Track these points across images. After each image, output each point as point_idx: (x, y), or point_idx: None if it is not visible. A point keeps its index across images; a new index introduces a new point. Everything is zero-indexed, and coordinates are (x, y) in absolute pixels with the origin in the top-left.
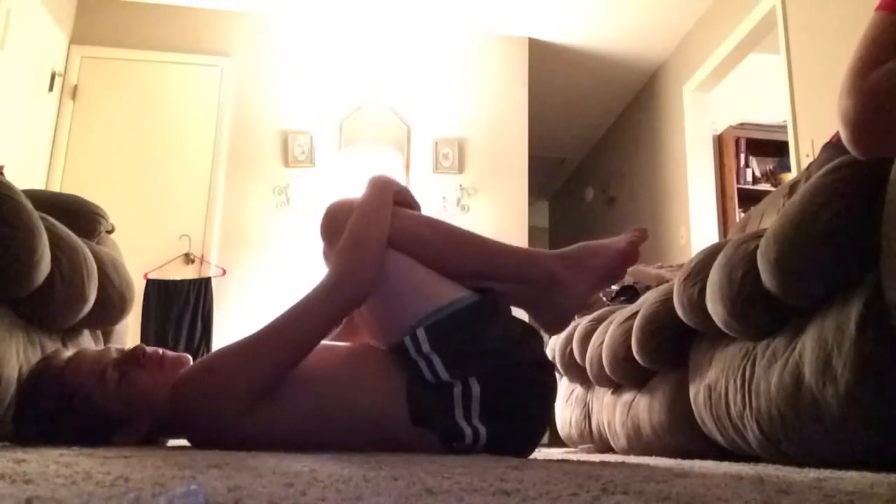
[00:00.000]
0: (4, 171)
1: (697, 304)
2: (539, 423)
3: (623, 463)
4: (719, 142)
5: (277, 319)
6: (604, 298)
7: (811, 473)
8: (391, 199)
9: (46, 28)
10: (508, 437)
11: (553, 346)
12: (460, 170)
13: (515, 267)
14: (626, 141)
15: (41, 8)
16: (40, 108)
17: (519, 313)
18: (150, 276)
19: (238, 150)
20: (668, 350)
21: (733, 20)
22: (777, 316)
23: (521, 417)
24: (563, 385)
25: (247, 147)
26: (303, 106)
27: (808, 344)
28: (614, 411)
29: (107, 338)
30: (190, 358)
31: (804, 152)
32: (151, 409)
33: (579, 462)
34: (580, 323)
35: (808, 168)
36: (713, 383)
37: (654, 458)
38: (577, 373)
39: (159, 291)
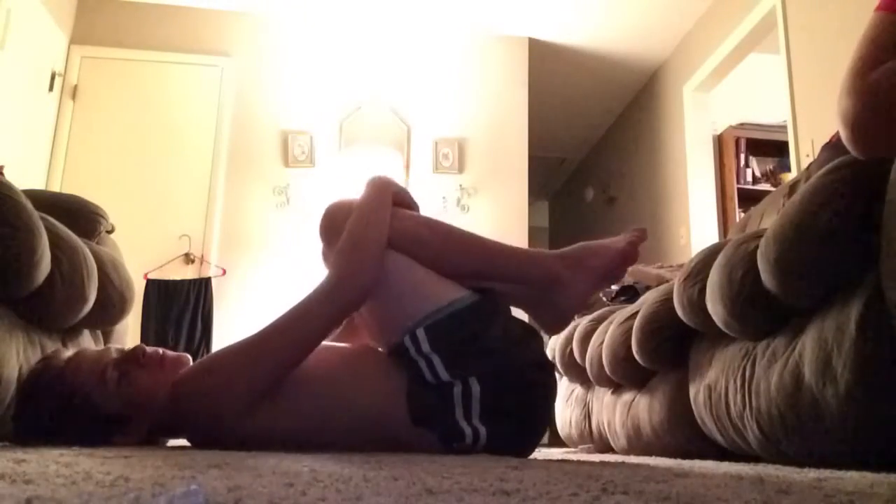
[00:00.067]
0: (4, 171)
1: (697, 304)
2: (539, 424)
3: (623, 463)
4: (719, 142)
5: (278, 320)
6: (604, 298)
7: (811, 473)
8: (390, 199)
9: (46, 28)
10: (508, 437)
11: (553, 346)
12: (460, 170)
13: (515, 267)
14: (626, 141)
15: (41, 8)
16: (40, 108)
17: (519, 313)
18: (150, 276)
19: (238, 150)
20: (668, 350)
21: (733, 20)
22: (777, 316)
23: (521, 417)
24: (563, 385)
25: (247, 147)
26: (303, 106)
27: (808, 344)
28: (614, 411)
29: (107, 338)
30: (190, 358)
31: (804, 152)
32: (151, 409)
33: (579, 462)
34: (580, 323)
35: (808, 168)
36: (713, 383)
37: (654, 458)
38: (577, 373)
39: (159, 291)
